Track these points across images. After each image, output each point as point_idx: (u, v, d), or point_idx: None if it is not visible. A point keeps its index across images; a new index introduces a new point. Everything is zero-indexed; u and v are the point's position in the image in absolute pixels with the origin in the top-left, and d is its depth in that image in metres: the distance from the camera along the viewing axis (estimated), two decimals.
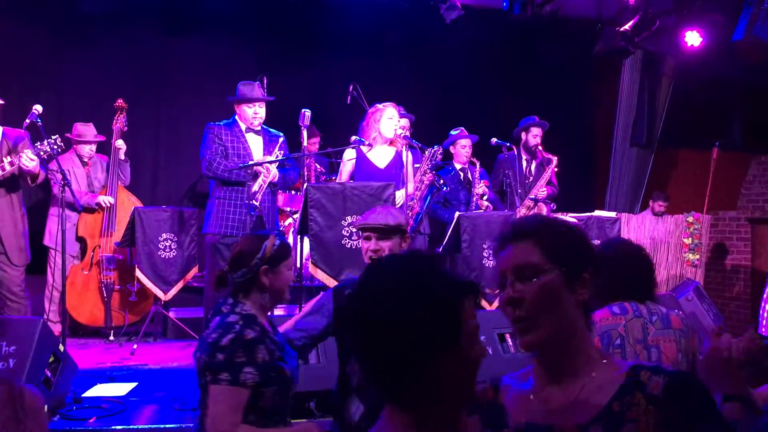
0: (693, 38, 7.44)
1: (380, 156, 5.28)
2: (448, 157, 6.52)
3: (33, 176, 5.06)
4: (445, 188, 5.48)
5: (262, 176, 5.07)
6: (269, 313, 2.49)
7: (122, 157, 6.21)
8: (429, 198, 5.41)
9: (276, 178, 5.18)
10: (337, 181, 5.51)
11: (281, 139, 5.31)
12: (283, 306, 5.72)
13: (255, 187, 5.06)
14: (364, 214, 2.87)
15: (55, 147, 4.99)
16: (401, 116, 5.96)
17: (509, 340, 4.07)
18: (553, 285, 1.37)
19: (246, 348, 2.22)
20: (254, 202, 5.00)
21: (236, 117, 5.31)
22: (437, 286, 1.17)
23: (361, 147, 5.25)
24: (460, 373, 1.18)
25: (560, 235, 1.43)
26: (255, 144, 5.28)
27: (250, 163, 5.09)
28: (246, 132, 5.27)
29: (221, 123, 5.28)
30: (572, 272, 1.39)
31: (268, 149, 5.27)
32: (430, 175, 5.31)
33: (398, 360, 1.15)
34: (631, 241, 2.84)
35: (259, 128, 5.31)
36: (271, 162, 5.11)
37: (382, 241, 2.72)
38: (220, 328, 2.28)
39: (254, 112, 5.24)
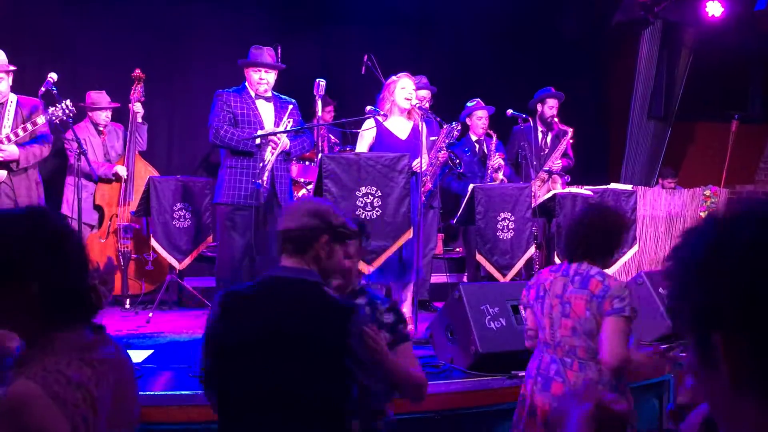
0: (714, 8, 7.31)
1: (400, 127, 5.23)
2: (464, 128, 6.47)
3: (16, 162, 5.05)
4: (459, 168, 5.47)
5: (269, 149, 4.91)
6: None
7: (140, 120, 6.21)
8: (442, 175, 5.39)
9: (287, 147, 5.04)
10: (354, 151, 5.46)
11: (291, 107, 5.13)
12: None
13: (262, 162, 4.88)
14: None
15: (68, 111, 5.00)
16: (422, 87, 5.91)
17: (523, 311, 4.07)
18: None
19: None
20: (260, 180, 4.83)
21: (246, 83, 5.17)
22: None
23: (379, 118, 5.20)
24: None
25: None
26: (266, 111, 5.13)
27: (260, 133, 4.94)
28: (256, 99, 5.12)
29: (231, 90, 5.13)
30: None
31: (279, 116, 5.12)
32: (445, 153, 5.28)
33: None
34: (594, 206, 3.10)
35: (269, 95, 5.17)
36: (282, 132, 4.98)
37: None
38: None
39: (260, 78, 5.06)
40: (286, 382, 1.98)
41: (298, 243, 2.14)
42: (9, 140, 4.95)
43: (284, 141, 5.00)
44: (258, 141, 4.94)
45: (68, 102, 5.05)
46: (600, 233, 2.90)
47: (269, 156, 4.93)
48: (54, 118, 4.96)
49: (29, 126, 4.96)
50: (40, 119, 4.98)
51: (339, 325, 2.02)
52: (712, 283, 0.81)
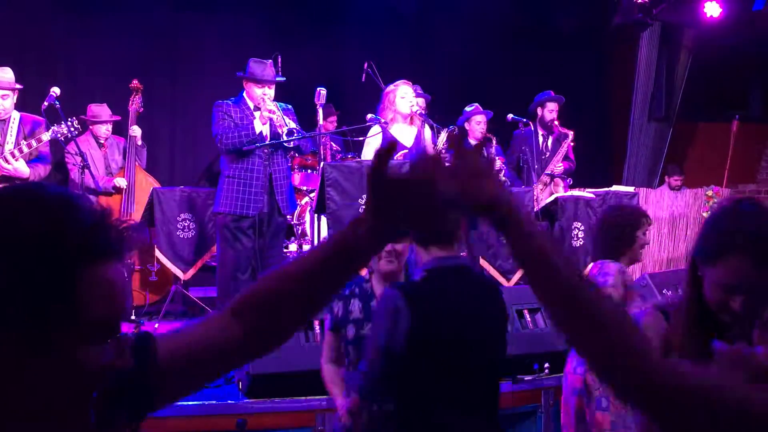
0: (712, 9, 7.32)
1: (404, 134, 5.24)
2: (463, 133, 6.49)
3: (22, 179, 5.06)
4: None
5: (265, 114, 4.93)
6: None
7: (139, 143, 6.24)
8: None
9: (278, 120, 4.97)
10: (361, 158, 5.46)
11: (286, 109, 5.13)
12: None
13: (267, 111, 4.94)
14: None
15: (73, 129, 5.04)
16: (417, 96, 5.94)
17: (527, 316, 4.07)
18: None
19: None
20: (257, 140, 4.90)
21: (244, 94, 5.13)
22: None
23: (383, 124, 5.22)
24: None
25: None
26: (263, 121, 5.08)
27: (263, 144, 4.94)
28: (254, 110, 5.08)
29: (229, 101, 5.11)
30: None
31: (277, 124, 5.08)
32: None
33: None
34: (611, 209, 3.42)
35: None
36: (285, 141, 4.97)
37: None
38: None
39: (263, 93, 5.04)
40: (487, 352, 2.30)
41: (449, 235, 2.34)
42: (14, 156, 4.97)
43: (278, 113, 4.98)
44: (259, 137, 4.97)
45: (74, 121, 5.09)
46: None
47: (270, 105, 4.94)
48: (59, 135, 4.99)
49: (34, 143, 4.98)
50: (45, 136, 5.00)
51: (501, 299, 2.40)
52: None
